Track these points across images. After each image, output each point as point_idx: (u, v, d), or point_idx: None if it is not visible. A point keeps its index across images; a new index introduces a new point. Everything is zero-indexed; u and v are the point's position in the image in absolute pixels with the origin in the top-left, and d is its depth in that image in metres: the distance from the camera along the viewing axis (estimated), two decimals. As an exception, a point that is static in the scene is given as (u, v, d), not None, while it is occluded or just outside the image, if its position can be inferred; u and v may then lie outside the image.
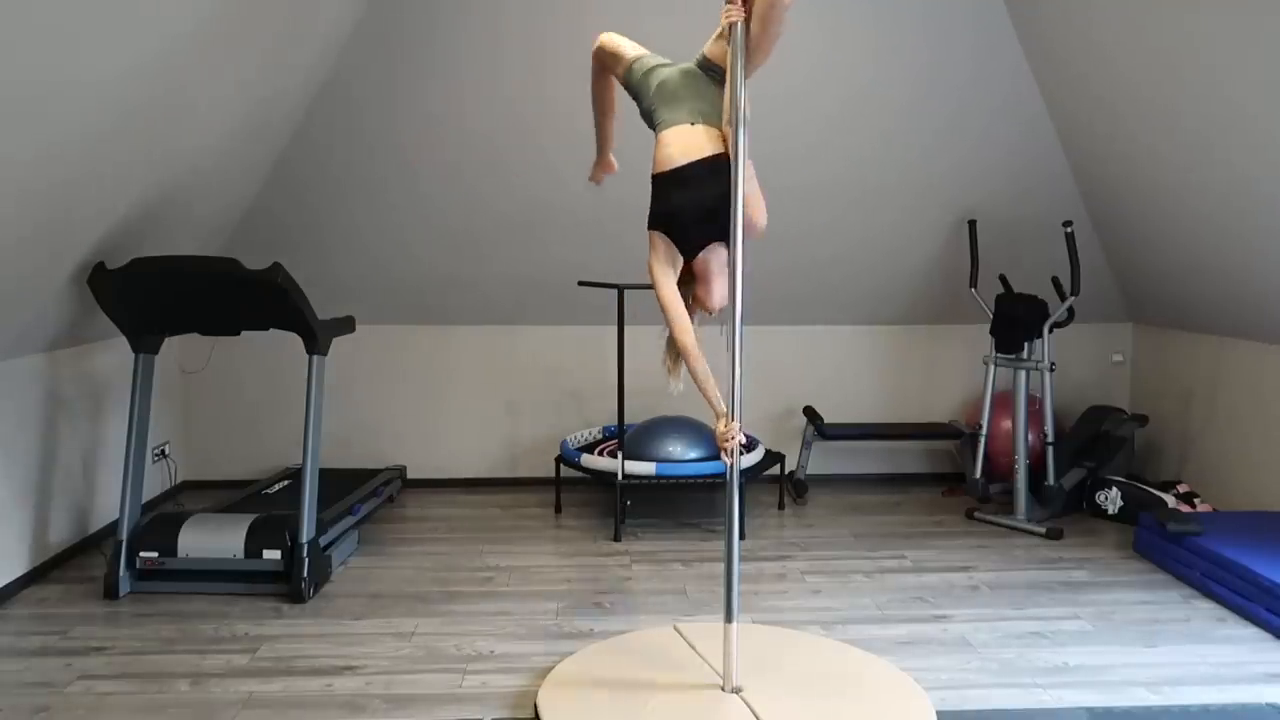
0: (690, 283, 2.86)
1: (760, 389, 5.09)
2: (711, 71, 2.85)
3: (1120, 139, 4.36)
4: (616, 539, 4.50)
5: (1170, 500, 4.68)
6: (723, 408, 2.81)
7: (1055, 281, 4.75)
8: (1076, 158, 4.79)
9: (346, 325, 4.16)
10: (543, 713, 2.76)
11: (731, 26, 2.71)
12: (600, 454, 4.88)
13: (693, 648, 3.18)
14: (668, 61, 2.93)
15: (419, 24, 4.24)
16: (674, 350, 2.84)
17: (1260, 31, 3.23)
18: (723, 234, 2.74)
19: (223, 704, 2.89)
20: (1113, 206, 4.82)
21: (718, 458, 4.61)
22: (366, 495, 4.62)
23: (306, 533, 3.74)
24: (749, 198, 2.74)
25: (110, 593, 3.72)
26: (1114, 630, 3.47)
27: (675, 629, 3.35)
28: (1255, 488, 4.53)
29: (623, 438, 4.67)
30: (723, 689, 2.87)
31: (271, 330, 3.89)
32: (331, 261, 5.04)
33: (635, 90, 2.94)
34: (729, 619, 2.83)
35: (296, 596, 3.69)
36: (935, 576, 4.02)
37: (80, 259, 3.60)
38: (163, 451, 4.99)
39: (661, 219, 2.81)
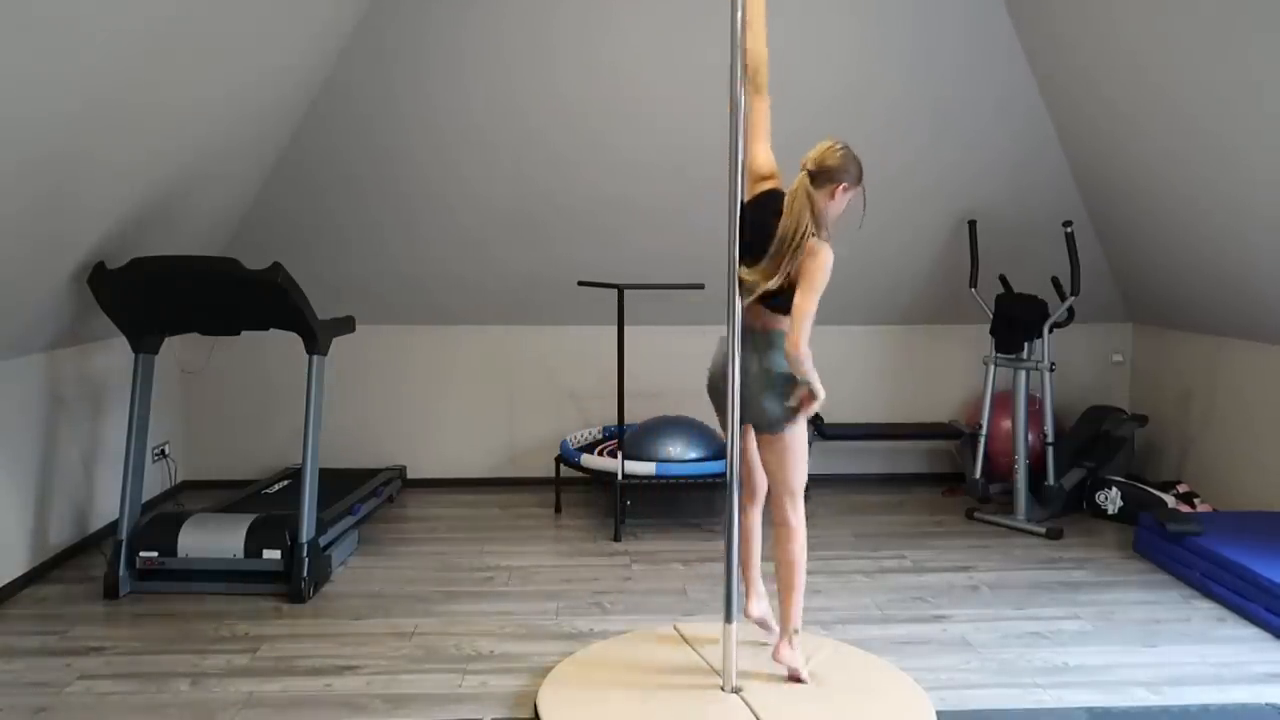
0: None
1: (760, 389, 5.08)
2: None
3: (1120, 137, 4.36)
4: (616, 539, 4.50)
5: (1170, 500, 4.68)
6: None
7: (1055, 281, 4.75)
8: (1076, 156, 4.78)
9: (346, 325, 4.16)
10: (543, 713, 2.76)
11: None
12: (600, 454, 4.88)
13: (693, 648, 3.18)
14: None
15: (419, 22, 4.24)
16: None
17: (1266, 29, 3.23)
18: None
19: (223, 704, 2.89)
20: (1113, 206, 4.82)
21: (718, 458, 4.61)
22: (366, 495, 4.62)
23: (306, 533, 3.74)
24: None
25: (110, 593, 3.72)
26: (1114, 630, 3.47)
27: (675, 629, 3.35)
28: (1255, 488, 4.53)
29: (623, 438, 4.67)
30: (723, 689, 2.87)
31: (271, 330, 3.89)
32: (331, 261, 5.04)
33: None
34: (729, 619, 2.83)
35: (296, 596, 3.69)
36: (935, 576, 4.02)
37: (80, 259, 3.60)
38: (163, 451, 4.99)
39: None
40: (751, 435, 2.93)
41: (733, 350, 2.79)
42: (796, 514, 2.89)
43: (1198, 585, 3.82)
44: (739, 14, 2.72)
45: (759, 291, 2.71)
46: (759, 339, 2.81)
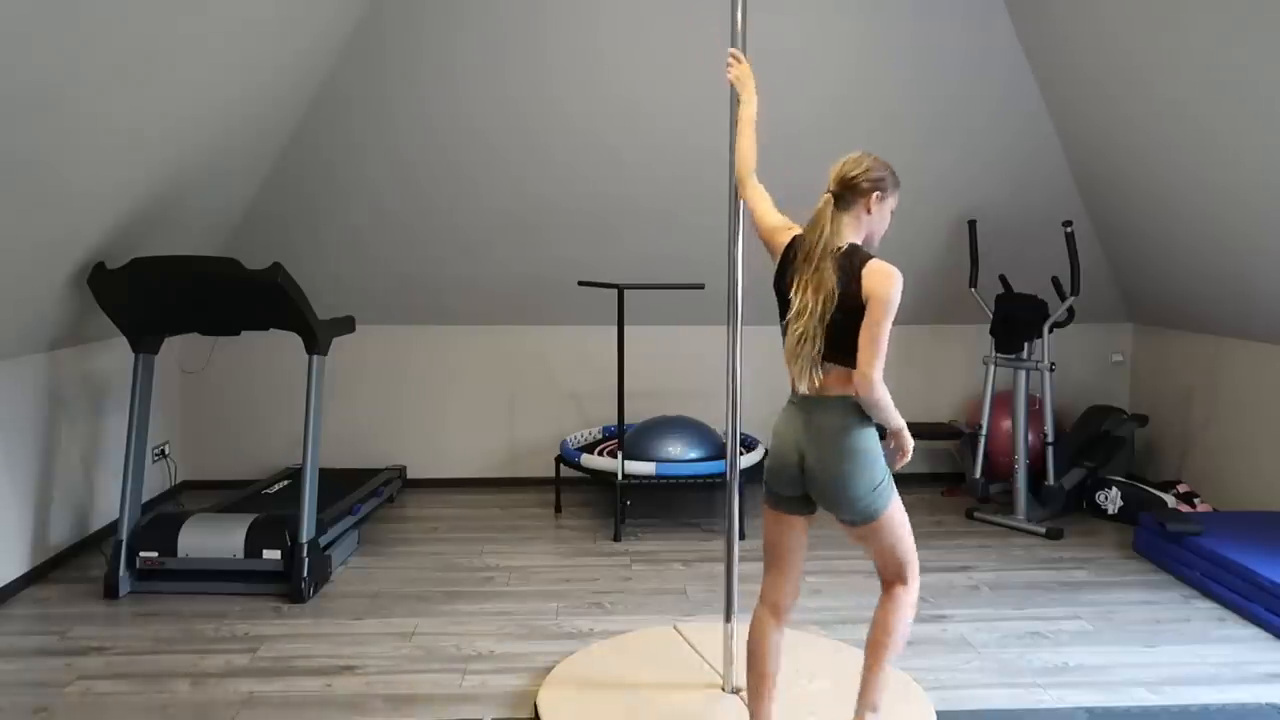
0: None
1: (760, 389, 5.08)
2: None
3: (1120, 137, 4.36)
4: (616, 539, 4.50)
5: (1170, 500, 4.68)
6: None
7: (1055, 281, 4.75)
8: (1076, 156, 4.79)
9: (346, 325, 4.16)
10: (543, 713, 2.76)
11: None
12: (600, 454, 4.88)
13: (693, 648, 3.18)
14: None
15: (418, 23, 4.24)
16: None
17: (1265, 29, 3.23)
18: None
19: (223, 704, 2.89)
20: (1113, 206, 4.82)
21: (718, 458, 4.61)
22: (366, 495, 4.62)
23: (306, 533, 3.74)
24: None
25: (110, 593, 3.72)
26: (1114, 630, 3.47)
27: (675, 629, 3.35)
28: (1255, 488, 4.53)
29: (623, 438, 4.67)
30: (723, 689, 2.87)
31: (271, 330, 3.89)
32: (331, 261, 5.04)
33: None
34: (729, 619, 2.83)
35: (296, 596, 3.69)
36: (935, 576, 4.02)
37: (80, 259, 3.60)
38: (163, 451, 4.99)
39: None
40: (788, 525, 2.41)
41: (732, 351, 2.80)
42: (912, 587, 2.40)
43: (1198, 585, 3.82)
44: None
45: (815, 335, 2.24)
46: (824, 406, 2.28)
